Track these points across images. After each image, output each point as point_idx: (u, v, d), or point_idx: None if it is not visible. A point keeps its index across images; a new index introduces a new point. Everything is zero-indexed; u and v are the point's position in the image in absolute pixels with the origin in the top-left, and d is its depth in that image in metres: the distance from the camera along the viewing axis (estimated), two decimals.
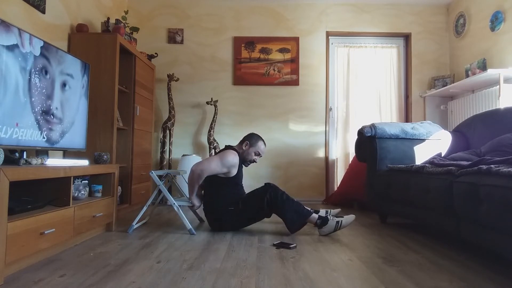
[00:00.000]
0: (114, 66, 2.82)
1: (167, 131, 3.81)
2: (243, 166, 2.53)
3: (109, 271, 1.52)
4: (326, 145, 4.06)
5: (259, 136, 2.54)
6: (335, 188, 3.99)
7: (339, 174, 4.06)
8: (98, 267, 1.57)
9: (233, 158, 2.34)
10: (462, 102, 3.59)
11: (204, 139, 4.03)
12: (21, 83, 1.72)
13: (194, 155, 3.72)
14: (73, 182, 1.99)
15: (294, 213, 2.24)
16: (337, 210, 2.75)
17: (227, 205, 2.32)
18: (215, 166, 2.31)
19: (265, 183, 2.36)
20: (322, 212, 2.60)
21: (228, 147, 2.47)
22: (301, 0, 4.07)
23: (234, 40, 4.08)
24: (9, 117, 1.65)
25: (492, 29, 3.31)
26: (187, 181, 2.43)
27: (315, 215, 2.27)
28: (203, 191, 2.49)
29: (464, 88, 3.59)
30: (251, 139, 2.50)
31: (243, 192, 2.48)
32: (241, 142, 2.53)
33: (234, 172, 2.37)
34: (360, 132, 2.79)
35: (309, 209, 2.33)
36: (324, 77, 4.09)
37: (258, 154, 2.50)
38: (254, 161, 2.50)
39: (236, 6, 4.11)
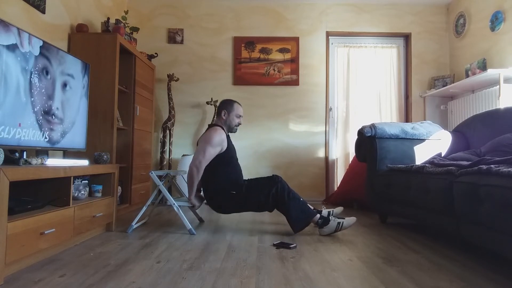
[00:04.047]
0: (114, 66, 2.82)
1: (167, 131, 3.81)
2: (232, 133, 2.57)
3: (109, 271, 1.52)
4: (326, 145, 4.06)
5: (231, 100, 2.56)
6: (335, 188, 3.99)
7: (339, 174, 4.05)
8: (98, 267, 1.57)
9: (219, 134, 2.36)
10: (462, 102, 3.59)
11: None
12: (22, 83, 1.72)
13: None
14: (73, 182, 1.99)
15: (299, 213, 2.23)
16: (340, 209, 2.73)
17: (229, 187, 2.33)
18: (208, 153, 2.32)
19: (272, 174, 2.37)
20: (325, 212, 2.60)
21: (209, 126, 2.51)
22: (301, 0, 4.07)
23: (234, 40, 4.07)
24: (11, 117, 1.65)
25: (492, 29, 3.31)
26: (186, 181, 2.43)
27: (317, 215, 2.27)
28: (201, 190, 2.49)
29: (464, 88, 3.59)
30: (226, 106, 2.51)
31: (239, 169, 2.51)
32: (218, 114, 2.54)
33: (225, 146, 2.39)
34: (360, 132, 2.79)
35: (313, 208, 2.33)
36: (324, 77, 4.09)
37: (239, 116, 2.53)
38: (238, 124, 2.54)
39: (236, 6, 4.11)
